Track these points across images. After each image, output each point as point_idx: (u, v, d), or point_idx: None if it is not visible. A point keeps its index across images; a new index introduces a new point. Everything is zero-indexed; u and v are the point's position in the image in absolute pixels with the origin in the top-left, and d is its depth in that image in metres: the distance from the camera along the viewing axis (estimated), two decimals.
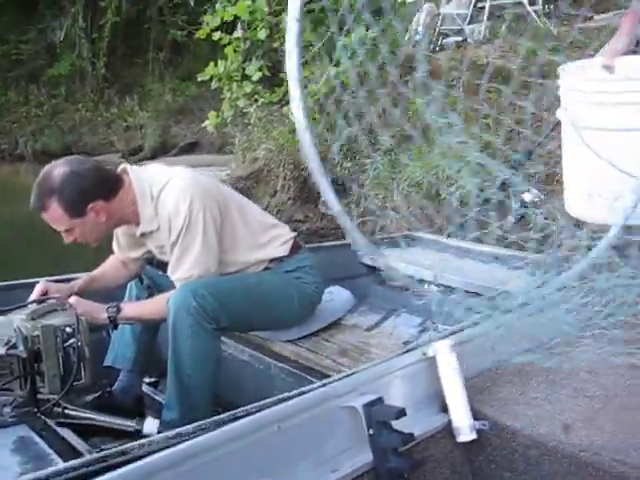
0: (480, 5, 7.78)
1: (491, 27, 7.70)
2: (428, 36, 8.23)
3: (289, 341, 2.43)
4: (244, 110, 6.16)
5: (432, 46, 7.91)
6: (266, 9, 5.95)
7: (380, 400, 1.51)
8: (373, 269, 3.78)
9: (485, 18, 7.52)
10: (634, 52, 2.01)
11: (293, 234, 2.39)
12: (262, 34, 5.95)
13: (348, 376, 1.62)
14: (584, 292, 2.18)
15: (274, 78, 6.42)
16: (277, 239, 2.32)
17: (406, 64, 6.33)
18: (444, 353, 1.67)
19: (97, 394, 2.14)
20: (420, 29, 8.49)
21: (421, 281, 3.62)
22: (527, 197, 1.98)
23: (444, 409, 1.69)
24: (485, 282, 3.19)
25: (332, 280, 3.48)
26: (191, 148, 11.13)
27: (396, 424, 1.48)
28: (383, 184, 5.21)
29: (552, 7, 8.00)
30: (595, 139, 1.70)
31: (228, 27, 6.50)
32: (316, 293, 2.44)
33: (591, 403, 1.74)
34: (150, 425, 1.81)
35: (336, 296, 2.88)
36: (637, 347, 1.99)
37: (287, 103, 6.34)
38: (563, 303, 2.20)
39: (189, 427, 1.37)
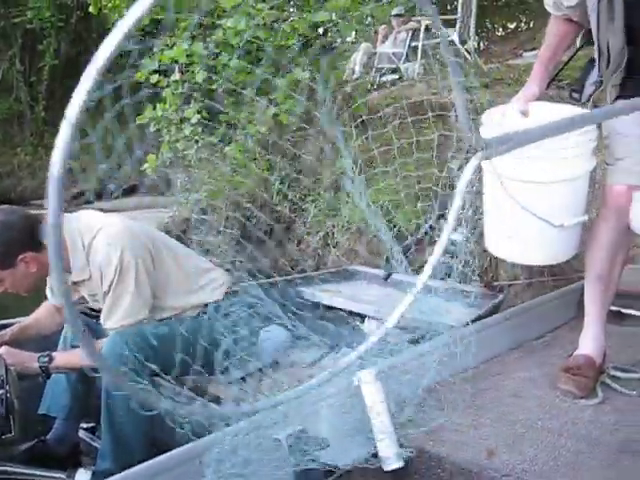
0: (414, 44, 8.04)
1: (426, 65, 7.98)
2: (366, 73, 8.46)
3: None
4: (184, 152, 6.20)
5: (370, 84, 8.12)
6: (204, 52, 6.03)
7: (304, 431, 1.53)
8: (315, 305, 3.84)
9: (419, 57, 7.77)
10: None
11: (228, 277, 2.43)
12: (200, 77, 6.02)
13: (271, 408, 1.65)
14: None
15: (213, 119, 6.48)
16: (212, 283, 2.35)
17: (345, 101, 6.51)
18: (368, 382, 1.70)
19: (31, 443, 2.12)
20: (357, 68, 8.73)
21: (361, 315, 3.70)
22: (456, 236, 2.06)
23: (370, 438, 1.71)
24: (424, 315, 3.29)
25: (273, 317, 3.52)
26: (133, 190, 11.02)
27: (320, 455, 1.51)
28: (324, 222, 5.28)
29: (485, 44, 8.35)
30: (514, 188, 1.84)
31: (167, 70, 6.55)
32: (252, 334, 2.47)
33: (514, 428, 1.81)
34: (82, 477, 1.80)
35: (274, 335, 2.90)
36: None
37: (228, 143, 6.41)
38: None
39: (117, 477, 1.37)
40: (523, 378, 2.16)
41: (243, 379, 2.55)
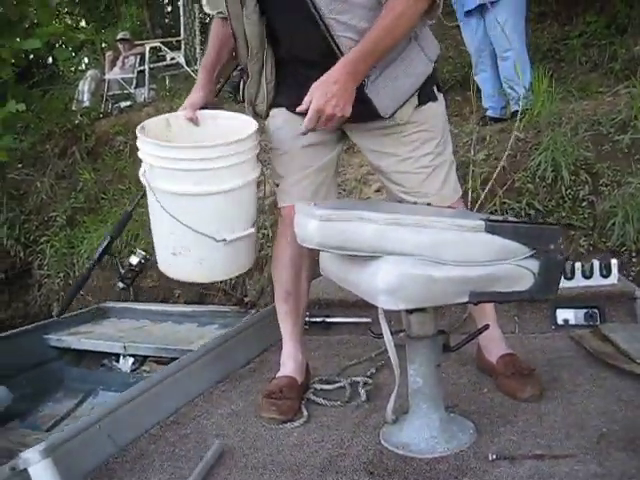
0: (140, 68, 7.89)
1: (157, 89, 7.87)
2: (96, 102, 8.13)
3: None
4: None
5: (102, 112, 7.81)
6: None
7: None
8: (65, 350, 3.59)
9: (147, 81, 7.64)
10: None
11: None
12: None
13: None
14: None
15: None
16: None
17: (73, 133, 6.19)
18: (35, 462, 1.49)
19: None
20: (86, 96, 8.35)
21: (115, 355, 3.51)
22: (134, 260, 1.95)
23: None
24: (176, 344, 3.20)
25: (19, 369, 3.22)
26: None
27: None
28: (63, 261, 4.95)
29: None
30: (170, 202, 1.73)
31: None
32: None
33: (217, 470, 1.69)
34: None
35: None
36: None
37: None
38: None
39: None
40: (228, 413, 2.06)
41: None
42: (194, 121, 1.92)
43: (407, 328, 1.61)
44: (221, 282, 4.35)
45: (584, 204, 3.25)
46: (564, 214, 3.25)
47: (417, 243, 1.37)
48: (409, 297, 1.39)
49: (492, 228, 1.37)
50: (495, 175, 3.42)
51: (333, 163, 1.99)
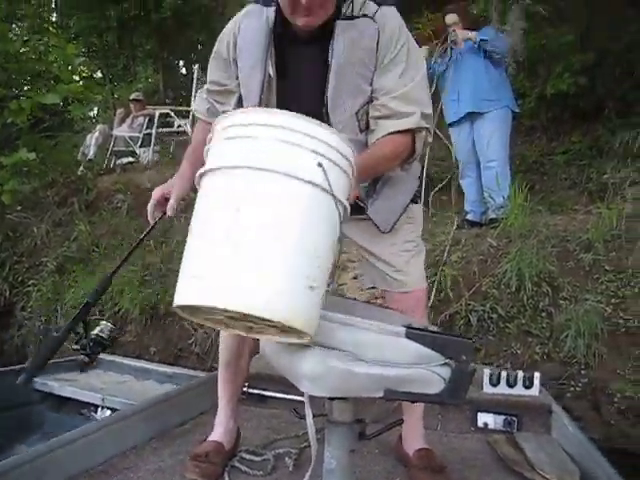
0: (148, 131, 8.21)
1: (160, 152, 8.18)
2: (101, 156, 8.41)
3: None
4: None
5: (105, 166, 8.08)
6: None
7: None
8: (48, 395, 3.68)
9: (152, 144, 7.94)
10: None
11: None
12: None
13: None
14: None
15: None
16: None
17: (75, 184, 6.44)
18: None
19: None
20: (92, 149, 8.65)
21: (94, 405, 3.61)
22: (104, 331, 1.72)
23: None
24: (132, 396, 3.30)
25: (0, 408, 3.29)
26: None
27: None
28: (47, 306, 5.11)
29: None
30: None
31: None
32: None
33: None
34: None
35: None
36: None
37: None
38: None
39: None
40: (155, 469, 2.10)
41: None
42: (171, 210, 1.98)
43: (328, 413, 1.71)
44: (195, 346, 4.51)
45: (543, 314, 3.48)
46: (524, 321, 3.47)
47: (342, 339, 1.49)
48: (329, 386, 1.50)
49: (411, 335, 1.51)
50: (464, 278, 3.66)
51: None
